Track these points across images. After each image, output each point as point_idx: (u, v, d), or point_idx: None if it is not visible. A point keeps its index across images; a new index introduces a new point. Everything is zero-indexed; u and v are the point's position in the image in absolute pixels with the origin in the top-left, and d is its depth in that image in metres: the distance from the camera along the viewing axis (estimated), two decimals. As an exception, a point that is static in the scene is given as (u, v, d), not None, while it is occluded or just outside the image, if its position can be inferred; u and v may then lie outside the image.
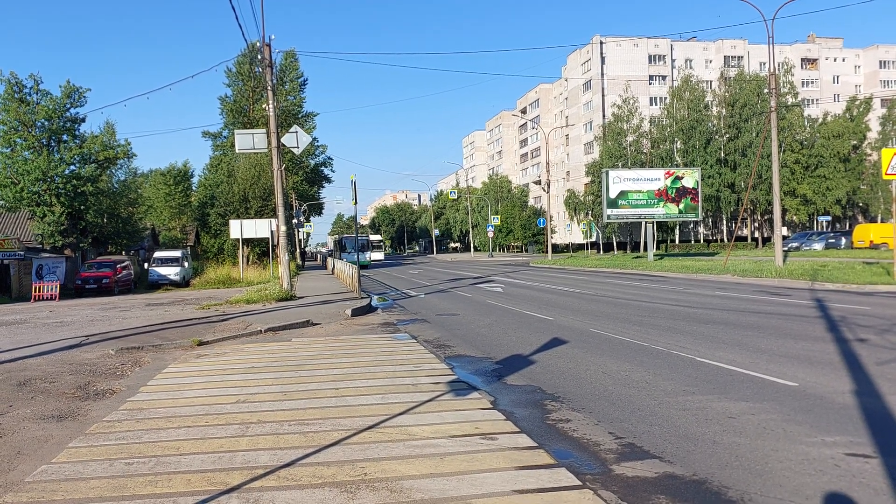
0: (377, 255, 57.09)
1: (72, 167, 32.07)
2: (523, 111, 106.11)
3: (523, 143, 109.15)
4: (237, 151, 23.48)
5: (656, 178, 39.70)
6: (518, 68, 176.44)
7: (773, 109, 26.26)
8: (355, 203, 21.02)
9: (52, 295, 26.21)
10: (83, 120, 33.65)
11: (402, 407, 6.56)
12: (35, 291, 26.29)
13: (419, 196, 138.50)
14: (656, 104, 77.48)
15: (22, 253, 28.83)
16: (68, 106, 32.52)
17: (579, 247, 78.14)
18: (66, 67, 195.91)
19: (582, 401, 6.84)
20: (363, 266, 48.18)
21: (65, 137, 32.73)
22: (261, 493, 4.46)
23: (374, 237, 61.23)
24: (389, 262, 61.86)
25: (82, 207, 32.19)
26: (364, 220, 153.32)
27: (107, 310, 19.26)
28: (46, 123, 32.06)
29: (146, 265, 34.25)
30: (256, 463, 5.05)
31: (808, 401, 6.47)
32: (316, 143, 55.16)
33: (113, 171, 39.63)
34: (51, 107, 31.72)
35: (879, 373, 7.53)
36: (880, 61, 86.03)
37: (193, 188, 54.71)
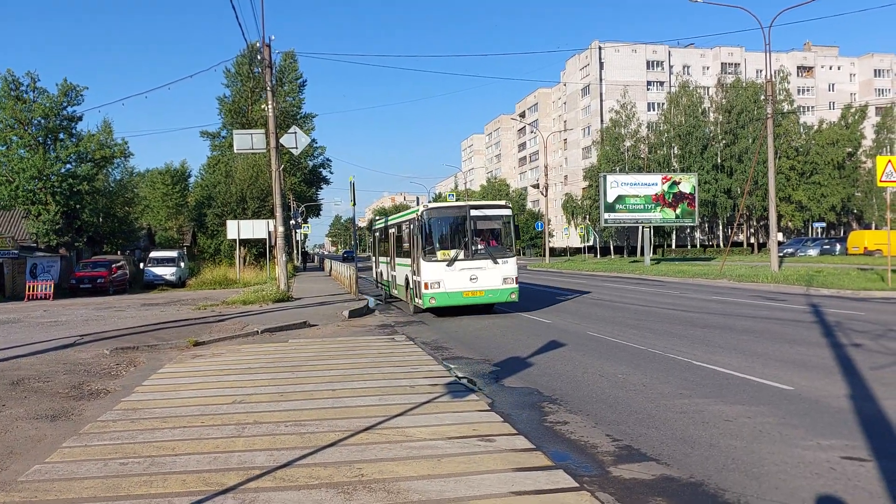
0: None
1: (68, 166, 32.00)
2: (522, 115, 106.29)
3: (522, 146, 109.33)
4: (235, 151, 23.49)
5: (653, 183, 39.82)
6: (517, 72, 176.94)
7: (769, 116, 26.38)
8: (353, 204, 21.05)
9: (46, 294, 26.06)
10: (80, 118, 33.61)
11: (399, 408, 6.55)
12: (29, 290, 26.14)
13: (417, 198, 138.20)
14: (654, 110, 77.71)
15: (16, 252, 28.70)
16: (65, 104, 32.43)
17: (577, 250, 78.24)
18: (64, 66, 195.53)
19: (579, 403, 6.84)
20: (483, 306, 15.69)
21: (61, 136, 32.62)
22: (257, 493, 4.44)
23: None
24: None
25: (78, 206, 32.06)
26: (362, 222, 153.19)
27: (101, 309, 19.18)
28: (43, 121, 31.95)
29: (142, 265, 34.13)
30: (253, 464, 5.03)
31: (803, 404, 6.49)
32: (314, 145, 55.15)
33: (109, 170, 39.55)
34: (47, 105, 31.62)
35: (874, 377, 7.55)
36: (875, 70, 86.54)
37: (190, 188, 54.57)
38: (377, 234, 22.34)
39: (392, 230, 18.75)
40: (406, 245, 16.45)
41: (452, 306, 14.87)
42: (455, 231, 15.02)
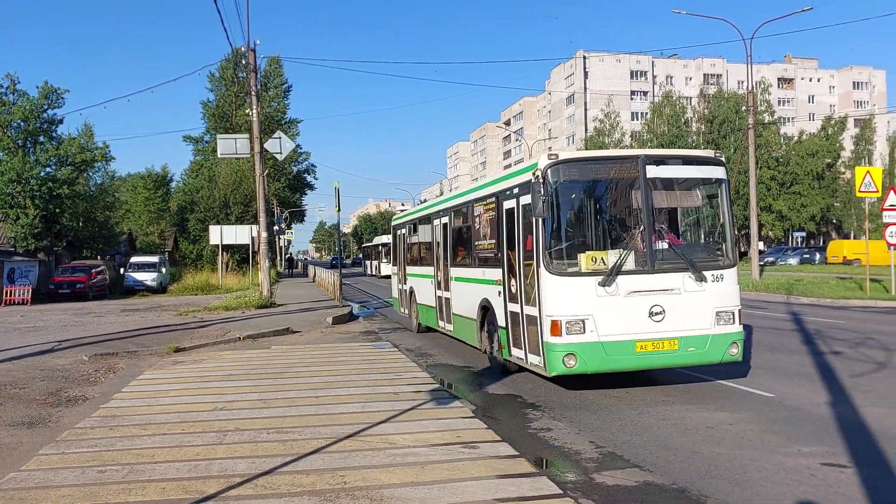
0: None
1: (48, 169, 31.49)
2: (507, 123, 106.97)
3: (507, 154, 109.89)
4: (219, 156, 23.33)
5: (637, 192, 40.12)
6: (503, 80, 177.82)
7: (750, 127, 26.79)
8: (338, 210, 20.96)
9: (23, 299, 25.61)
10: (61, 121, 33.17)
11: (382, 415, 6.51)
12: (6, 296, 25.65)
13: (403, 205, 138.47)
14: (637, 119, 78.59)
15: (-7, 256, 28.18)
16: (45, 107, 31.98)
17: (560, 258, 78.62)
18: (45, 67, 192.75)
19: (563, 410, 6.85)
20: None
21: (41, 139, 32.15)
22: (238, 501, 4.38)
23: None
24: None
25: (57, 210, 31.55)
26: (346, 229, 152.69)
27: (81, 315, 18.86)
28: (23, 124, 31.48)
29: (122, 270, 33.65)
30: (234, 471, 4.96)
31: (784, 412, 6.56)
32: (299, 150, 54.87)
33: (90, 173, 38.96)
34: (27, 107, 31.16)
35: (854, 385, 7.65)
36: (854, 82, 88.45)
37: (173, 193, 54.00)
38: (408, 229, 13.95)
39: (441, 220, 11.21)
40: (485, 243, 9.04)
41: (611, 372, 7.21)
42: (614, 210, 7.48)
